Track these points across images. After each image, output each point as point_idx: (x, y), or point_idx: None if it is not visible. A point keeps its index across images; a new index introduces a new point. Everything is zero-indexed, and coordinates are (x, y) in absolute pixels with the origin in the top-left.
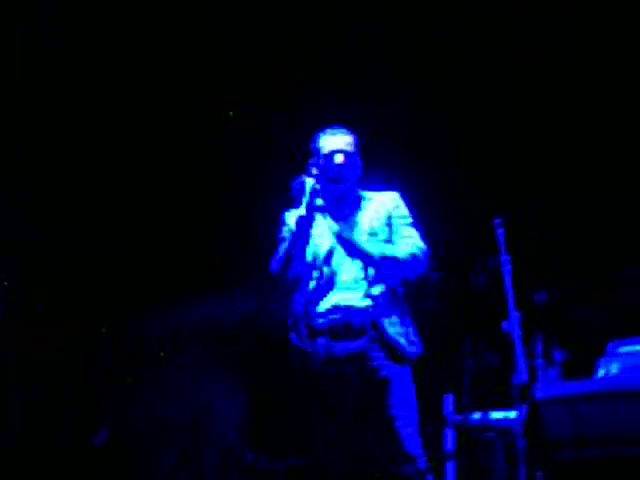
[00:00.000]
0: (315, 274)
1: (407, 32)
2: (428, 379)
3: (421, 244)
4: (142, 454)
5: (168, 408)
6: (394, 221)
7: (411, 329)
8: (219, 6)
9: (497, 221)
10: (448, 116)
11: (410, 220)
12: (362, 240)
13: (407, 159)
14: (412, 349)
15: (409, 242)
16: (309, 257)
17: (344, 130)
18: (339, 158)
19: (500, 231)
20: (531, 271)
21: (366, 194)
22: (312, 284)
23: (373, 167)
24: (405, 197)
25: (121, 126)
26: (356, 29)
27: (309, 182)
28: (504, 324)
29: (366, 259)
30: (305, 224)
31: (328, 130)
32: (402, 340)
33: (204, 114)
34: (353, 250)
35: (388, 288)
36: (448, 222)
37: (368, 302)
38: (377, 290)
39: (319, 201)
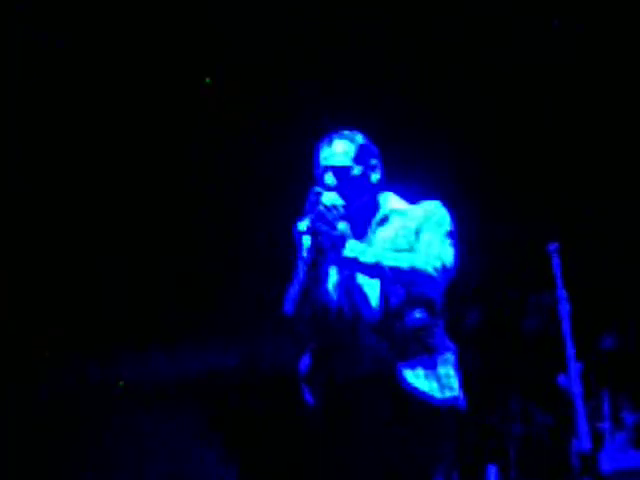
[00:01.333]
0: (330, 315)
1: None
2: (466, 446)
3: (442, 256)
4: None
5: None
6: (422, 231)
7: (445, 370)
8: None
9: (552, 247)
10: (496, 126)
11: (443, 230)
12: (368, 253)
13: (451, 171)
14: (446, 396)
15: (425, 251)
16: (325, 295)
17: (343, 136)
18: (327, 178)
19: (556, 260)
20: (595, 310)
21: (396, 208)
22: (327, 327)
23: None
24: (450, 208)
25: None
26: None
27: (304, 225)
28: (561, 378)
29: (374, 274)
30: (313, 267)
31: (325, 139)
32: (427, 385)
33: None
34: (357, 267)
35: (415, 318)
36: (495, 249)
37: (383, 345)
38: (398, 324)
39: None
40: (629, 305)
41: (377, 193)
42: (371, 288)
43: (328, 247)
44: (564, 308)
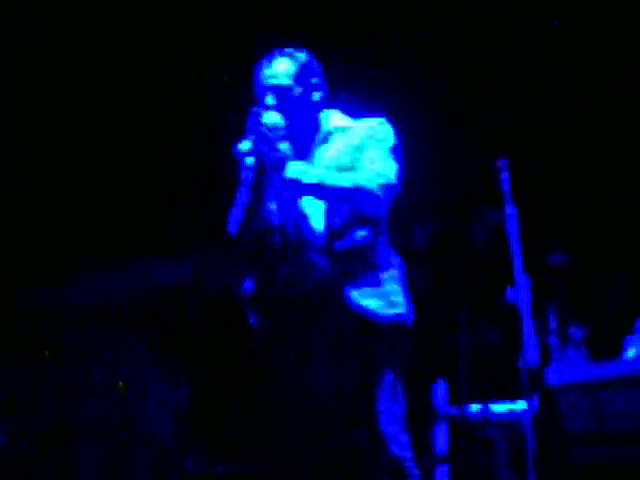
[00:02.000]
0: (274, 236)
1: None
2: (414, 362)
3: (385, 172)
4: (51, 458)
5: (86, 401)
6: (365, 148)
7: (392, 287)
8: None
9: (500, 163)
10: (447, 39)
11: (386, 146)
12: (311, 172)
13: (397, 84)
14: (392, 312)
15: (368, 168)
16: (268, 215)
17: (285, 54)
18: (268, 99)
19: (504, 175)
20: (543, 226)
21: (338, 125)
22: (271, 248)
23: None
24: (394, 124)
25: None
26: None
27: (245, 146)
28: (509, 292)
29: (317, 193)
30: (255, 187)
31: (266, 57)
32: (373, 303)
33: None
34: (300, 188)
35: (358, 237)
36: (440, 163)
37: (327, 264)
38: (341, 243)
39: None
40: (578, 221)
41: (319, 112)
42: (315, 208)
43: (270, 168)
44: (512, 224)
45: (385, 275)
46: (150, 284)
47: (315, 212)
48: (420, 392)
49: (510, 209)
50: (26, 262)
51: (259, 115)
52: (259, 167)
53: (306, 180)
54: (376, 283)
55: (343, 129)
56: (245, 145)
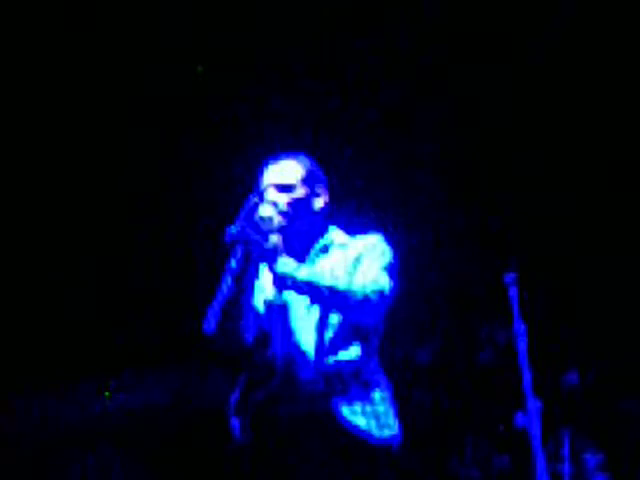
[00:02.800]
0: (261, 344)
1: None
2: None
3: (379, 281)
4: None
5: None
6: (362, 261)
7: (384, 407)
8: None
9: (509, 278)
10: (447, 152)
11: (383, 262)
12: (303, 270)
13: (402, 194)
14: (384, 434)
15: (363, 276)
16: (254, 324)
17: (293, 156)
18: (270, 194)
19: (513, 290)
20: (556, 345)
21: (337, 240)
22: (260, 356)
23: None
24: (395, 239)
25: None
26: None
27: (234, 230)
28: (518, 416)
29: (309, 292)
30: (240, 279)
31: (273, 157)
32: (364, 422)
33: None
34: (291, 284)
35: (350, 354)
36: (446, 278)
37: (318, 380)
38: (333, 359)
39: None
40: (591, 341)
41: (319, 221)
42: (304, 321)
43: (258, 258)
44: (521, 342)
45: (377, 394)
46: (135, 402)
47: (305, 325)
48: None
49: (519, 326)
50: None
51: (256, 205)
52: (246, 255)
53: (298, 276)
54: (369, 402)
55: (342, 245)
56: (235, 229)
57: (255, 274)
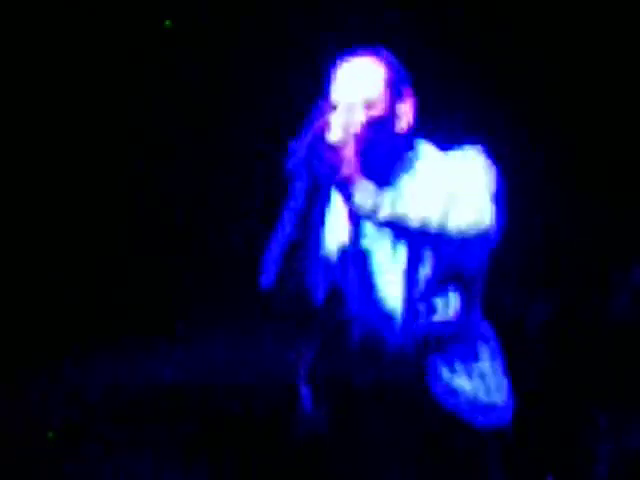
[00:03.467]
0: (335, 302)
1: None
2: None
3: (484, 216)
4: None
5: None
6: (460, 187)
7: (491, 365)
8: None
9: None
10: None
11: (486, 187)
12: (385, 207)
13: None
14: (492, 399)
15: (465, 208)
16: (324, 276)
17: (368, 53)
18: (341, 110)
19: None
20: None
21: (427, 156)
22: (332, 318)
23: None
24: (494, 158)
25: None
26: None
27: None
28: None
29: (398, 230)
30: (305, 219)
31: (342, 58)
32: (469, 385)
33: None
34: (378, 223)
35: (449, 305)
36: (564, 214)
37: (409, 340)
38: (428, 312)
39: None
40: None
41: (403, 141)
42: (390, 271)
43: (327, 191)
44: None
45: (482, 349)
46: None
47: (390, 276)
48: None
49: None
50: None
51: (326, 125)
52: (312, 188)
53: (379, 216)
54: (472, 357)
55: (433, 163)
56: (296, 159)
57: (324, 213)
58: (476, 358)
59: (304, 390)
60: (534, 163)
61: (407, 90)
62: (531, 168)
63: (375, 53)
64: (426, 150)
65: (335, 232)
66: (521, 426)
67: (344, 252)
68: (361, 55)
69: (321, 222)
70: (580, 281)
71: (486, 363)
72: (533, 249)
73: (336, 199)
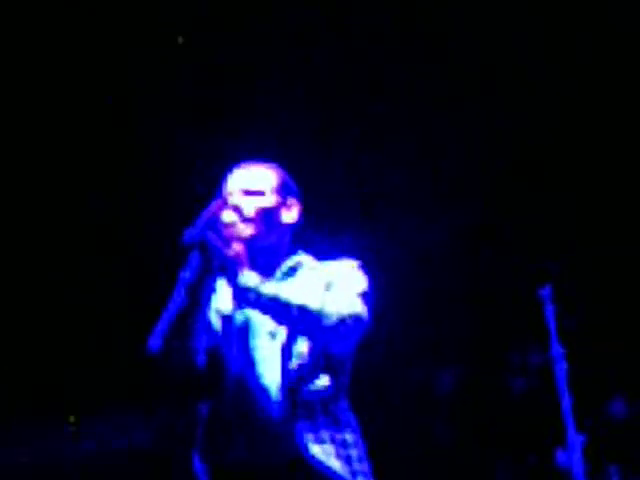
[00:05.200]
0: (215, 368)
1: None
2: None
3: (355, 305)
4: None
5: None
6: (334, 286)
7: (356, 452)
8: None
9: (544, 292)
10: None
11: (357, 288)
12: (269, 286)
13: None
14: None
15: (343, 299)
16: (205, 343)
17: (267, 164)
18: (235, 198)
19: (549, 307)
20: (599, 368)
21: (306, 262)
22: (213, 385)
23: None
24: (368, 270)
25: None
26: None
27: (193, 234)
28: (559, 454)
29: (275, 310)
30: (194, 290)
31: (245, 162)
32: (338, 466)
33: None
34: (254, 299)
35: (318, 386)
36: (467, 296)
37: (283, 417)
38: (300, 393)
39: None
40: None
41: (287, 238)
42: (268, 349)
43: (216, 267)
44: (560, 368)
45: (348, 436)
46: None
47: (268, 352)
48: None
49: (556, 349)
50: None
51: (220, 209)
52: (203, 264)
53: (263, 291)
54: (340, 444)
55: (312, 268)
56: (192, 234)
57: (212, 286)
58: (345, 446)
59: (198, 466)
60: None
61: (293, 195)
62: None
63: (270, 164)
64: (305, 257)
65: (220, 305)
66: None
67: (227, 323)
68: (259, 163)
69: (208, 295)
70: (482, 360)
71: (352, 450)
72: (440, 331)
73: (223, 276)
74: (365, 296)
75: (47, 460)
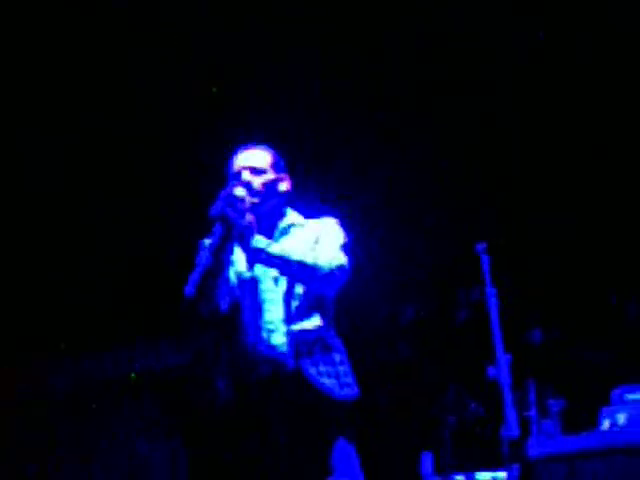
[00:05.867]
0: (235, 312)
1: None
2: (402, 434)
3: (339, 257)
4: None
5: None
6: (321, 241)
7: (343, 368)
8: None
9: (480, 247)
10: (428, 133)
11: (339, 242)
12: (275, 246)
13: (376, 175)
14: (345, 392)
15: (331, 252)
16: (227, 293)
17: (260, 146)
18: (244, 175)
19: (484, 258)
20: (522, 305)
21: (297, 220)
22: (233, 324)
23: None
24: (346, 225)
25: None
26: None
27: (216, 210)
28: (490, 369)
29: (280, 265)
30: (218, 253)
31: (245, 145)
32: (328, 382)
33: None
34: (265, 258)
35: (313, 321)
36: (424, 248)
37: (287, 345)
38: (299, 326)
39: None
40: (554, 300)
41: (282, 203)
42: (273, 293)
43: (236, 235)
44: (492, 304)
45: (337, 357)
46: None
47: (273, 296)
48: (408, 462)
49: (490, 290)
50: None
51: (233, 186)
52: (224, 233)
53: (271, 250)
54: (331, 363)
55: (300, 224)
56: (216, 209)
57: (231, 250)
58: (333, 364)
59: (219, 382)
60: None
61: (284, 170)
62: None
63: (265, 146)
64: (294, 215)
65: (236, 264)
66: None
67: (241, 278)
68: (257, 146)
69: (228, 256)
70: (436, 297)
71: (340, 368)
72: (404, 275)
73: (239, 241)
74: (345, 248)
75: (109, 375)
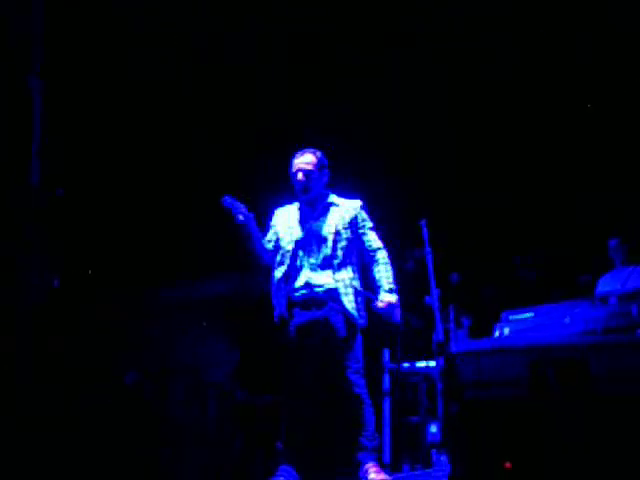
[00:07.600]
0: (289, 259)
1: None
2: (372, 339)
3: (381, 244)
4: (157, 392)
5: (178, 359)
6: (359, 225)
7: (362, 305)
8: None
9: (422, 222)
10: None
11: (371, 224)
12: (390, 282)
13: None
14: (361, 320)
15: (379, 245)
16: (285, 245)
17: (309, 150)
18: (299, 175)
19: (425, 230)
20: (447, 259)
21: (335, 200)
22: (289, 267)
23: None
24: (365, 205)
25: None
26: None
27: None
28: (427, 298)
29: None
30: (247, 227)
31: (297, 153)
32: (355, 312)
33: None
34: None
35: (349, 273)
36: (386, 222)
37: (332, 281)
38: (340, 274)
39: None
40: (468, 255)
41: (325, 188)
42: (317, 253)
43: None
44: (429, 258)
45: (359, 299)
46: (213, 290)
47: (318, 244)
48: (375, 356)
49: (427, 249)
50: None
51: (231, 202)
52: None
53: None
54: (356, 300)
55: (337, 204)
56: (226, 201)
57: (254, 225)
58: (357, 302)
59: (275, 300)
60: None
61: (326, 166)
62: None
63: (314, 151)
64: (333, 196)
65: (290, 234)
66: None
67: (296, 242)
68: (309, 150)
69: (254, 228)
70: (392, 254)
71: (361, 305)
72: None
73: (290, 216)
74: (374, 227)
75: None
